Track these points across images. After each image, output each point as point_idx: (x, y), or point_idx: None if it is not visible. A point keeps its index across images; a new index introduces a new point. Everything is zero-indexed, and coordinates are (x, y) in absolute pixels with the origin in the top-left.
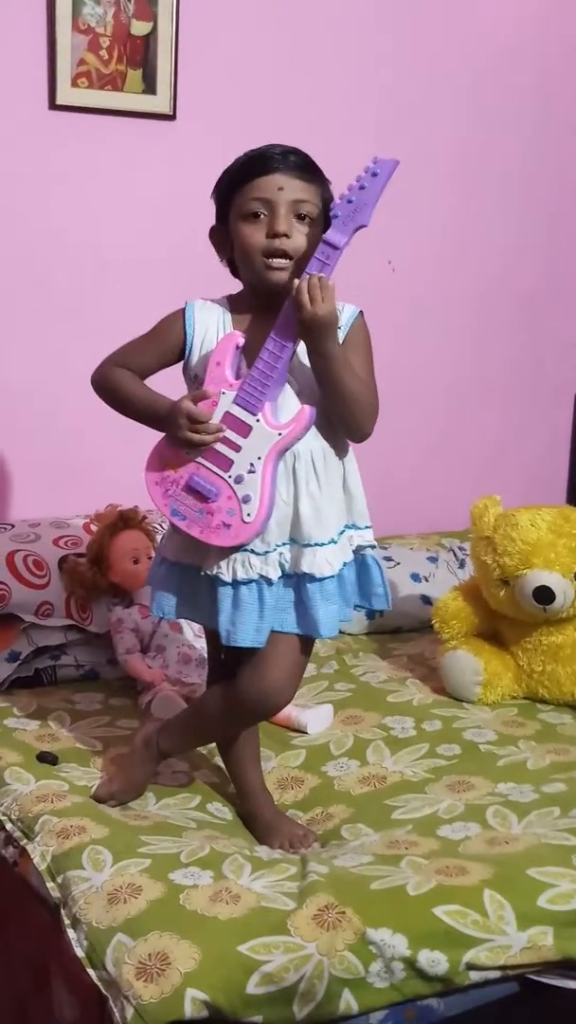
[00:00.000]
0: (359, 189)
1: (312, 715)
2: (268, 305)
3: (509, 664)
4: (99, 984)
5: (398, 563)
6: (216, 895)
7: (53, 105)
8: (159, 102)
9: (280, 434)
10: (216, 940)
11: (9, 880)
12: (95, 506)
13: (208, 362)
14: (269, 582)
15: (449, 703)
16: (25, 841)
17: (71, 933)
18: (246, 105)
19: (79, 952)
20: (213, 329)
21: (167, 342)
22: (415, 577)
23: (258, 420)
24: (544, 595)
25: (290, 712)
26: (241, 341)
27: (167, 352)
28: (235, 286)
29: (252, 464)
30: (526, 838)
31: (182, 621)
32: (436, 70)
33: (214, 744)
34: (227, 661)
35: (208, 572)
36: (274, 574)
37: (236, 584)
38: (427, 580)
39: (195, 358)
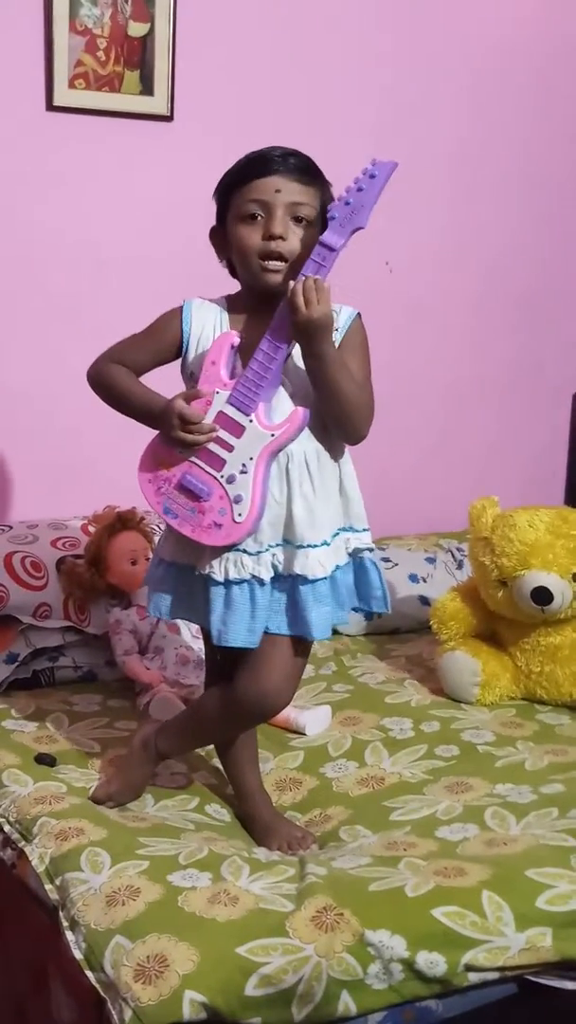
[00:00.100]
0: (357, 191)
1: (310, 716)
2: (265, 306)
3: (507, 665)
4: (97, 986)
5: (396, 564)
6: (214, 897)
7: (50, 106)
8: (156, 103)
9: (273, 435)
10: (214, 942)
11: (7, 882)
12: (95, 506)
13: (203, 361)
14: (261, 582)
15: (447, 704)
16: (23, 843)
17: (69, 935)
18: (243, 106)
19: (77, 954)
20: (210, 328)
21: (164, 340)
22: (413, 578)
23: (251, 420)
24: (542, 596)
25: (288, 713)
26: (236, 341)
27: (163, 350)
28: (234, 287)
29: (244, 464)
30: (524, 839)
31: (180, 622)
32: (435, 70)
33: (212, 745)
34: (224, 663)
35: (201, 572)
36: (266, 574)
37: (228, 584)
38: (425, 581)
39: (191, 357)
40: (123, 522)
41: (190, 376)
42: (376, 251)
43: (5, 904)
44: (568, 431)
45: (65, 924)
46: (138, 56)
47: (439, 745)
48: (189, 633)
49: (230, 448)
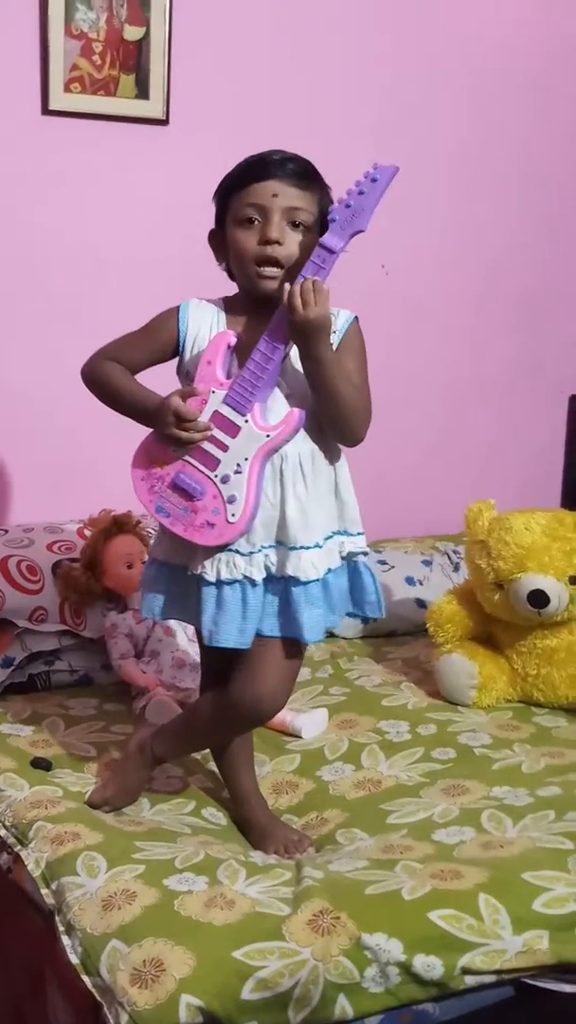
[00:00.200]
0: (358, 194)
1: (307, 719)
2: (263, 308)
3: (504, 667)
4: (93, 991)
5: (392, 566)
6: (211, 901)
7: (46, 110)
8: (152, 107)
9: (268, 436)
10: (211, 946)
11: (3, 887)
12: (93, 509)
13: (199, 360)
14: (253, 583)
15: (444, 707)
16: (19, 847)
17: (65, 940)
18: (239, 110)
19: (73, 959)
20: (207, 328)
21: (160, 339)
22: (409, 581)
23: (247, 421)
24: (538, 599)
25: (285, 717)
26: (233, 341)
27: (159, 349)
28: (232, 288)
29: (239, 465)
30: (521, 842)
31: (176, 626)
32: (433, 72)
33: (208, 749)
34: (220, 667)
35: (194, 572)
36: (258, 575)
37: (220, 584)
38: (421, 584)
39: (188, 356)
40: (119, 526)
41: (186, 376)
42: (376, 252)
43: (1, 909)
44: (565, 432)
45: (61, 928)
46: (133, 60)
47: (436, 748)
48: (185, 637)
49: (225, 448)
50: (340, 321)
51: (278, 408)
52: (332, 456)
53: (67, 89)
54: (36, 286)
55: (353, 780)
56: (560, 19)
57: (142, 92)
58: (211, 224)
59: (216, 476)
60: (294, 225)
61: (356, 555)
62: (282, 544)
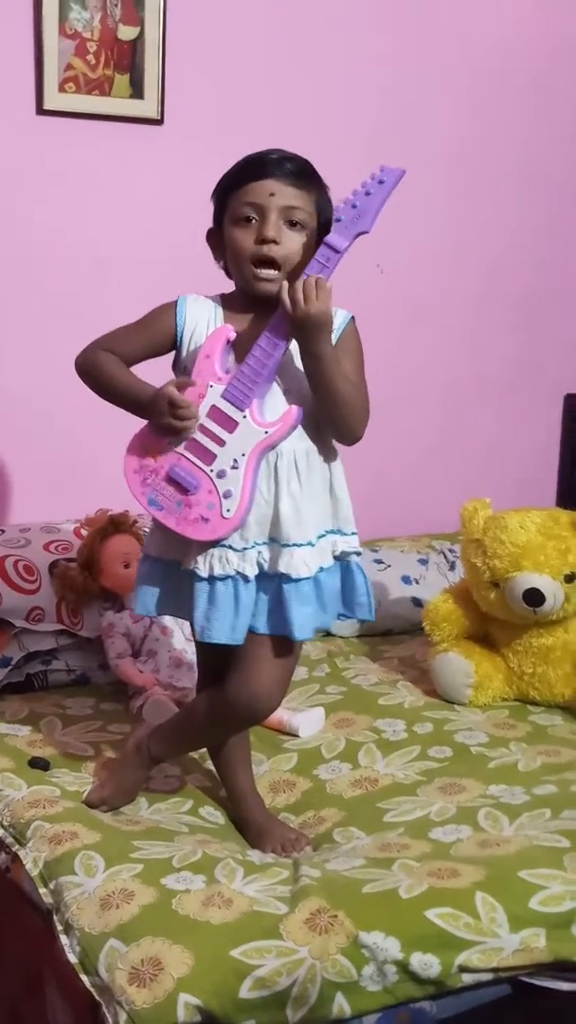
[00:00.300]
0: (364, 195)
1: (303, 718)
2: (260, 305)
3: (500, 666)
4: (92, 990)
5: (389, 565)
6: (208, 900)
7: (41, 110)
8: (147, 107)
9: (266, 432)
10: (209, 945)
11: (1, 886)
12: (90, 508)
13: (197, 355)
14: (246, 579)
15: (440, 705)
16: (17, 847)
17: (64, 939)
18: (234, 109)
19: (72, 958)
20: (204, 324)
21: (157, 332)
22: (406, 579)
23: (245, 416)
24: (534, 597)
25: (281, 715)
26: (232, 336)
27: (155, 342)
28: (229, 286)
29: (235, 460)
30: (517, 840)
31: (173, 625)
32: (433, 72)
33: (205, 748)
34: (217, 666)
35: (186, 567)
36: (251, 571)
37: (212, 580)
38: (418, 582)
39: (185, 351)
40: (116, 525)
41: (183, 371)
42: (375, 252)
43: None
44: (560, 432)
45: (59, 928)
46: (128, 60)
47: (432, 746)
48: (182, 636)
49: (221, 443)
50: (337, 321)
51: (275, 404)
52: (327, 455)
53: (62, 89)
54: (33, 286)
55: (350, 779)
56: (560, 19)
57: (137, 92)
58: (207, 222)
59: (212, 470)
60: (291, 224)
61: (349, 555)
62: (275, 541)
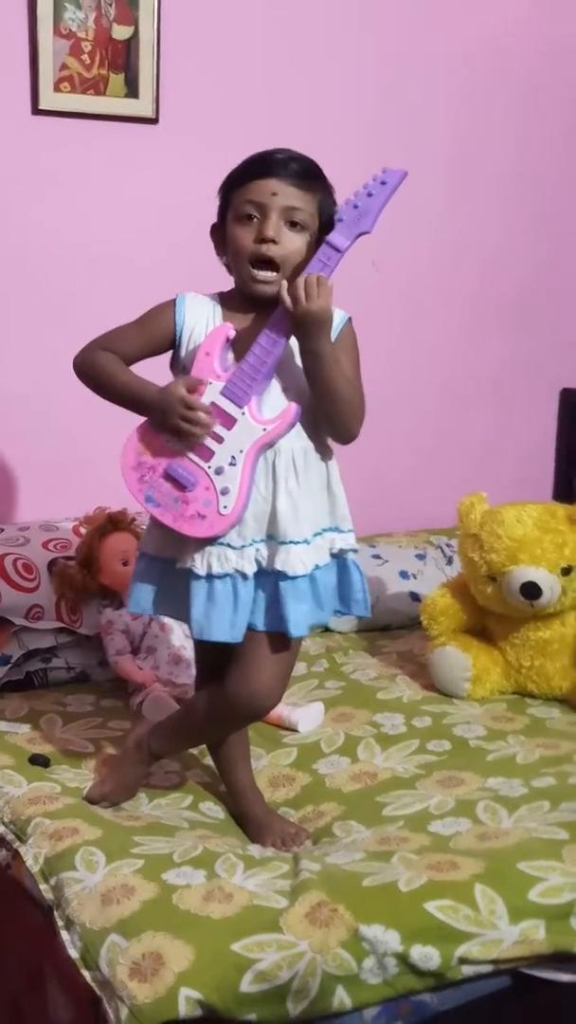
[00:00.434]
0: (366, 196)
1: (303, 713)
2: (258, 304)
3: (497, 659)
4: (93, 985)
5: (386, 561)
6: (209, 894)
7: (36, 110)
8: (142, 106)
9: (265, 429)
10: (209, 939)
11: (2, 883)
12: (89, 506)
13: (197, 352)
14: (244, 577)
15: (439, 699)
16: (18, 844)
17: (65, 935)
18: (229, 108)
19: (73, 953)
20: (203, 323)
21: (156, 331)
22: (403, 574)
23: (244, 413)
24: (531, 591)
25: (281, 711)
26: (232, 333)
27: (154, 340)
28: (224, 285)
29: (234, 457)
30: (516, 832)
31: (172, 622)
32: (428, 71)
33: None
34: (215, 663)
35: (183, 565)
36: (249, 569)
37: (211, 578)
38: (415, 577)
39: (184, 350)
40: (114, 523)
41: (182, 369)
42: (371, 250)
43: (0, 905)
44: (556, 428)
45: (60, 924)
46: (123, 59)
47: (431, 740)
48: (181, 633)
49: (220, 439)
50: (334, 320)
51: (273, 402)
52: (324, 453)
53: (57, 89)
54: (29, 285)
55: (349, 773)
56: (555, 19)
57: (132, 91)
58: (203, 222)
59: (210, 467)
60: (292, 225)
61: (346, 552)
62: (272, 538)
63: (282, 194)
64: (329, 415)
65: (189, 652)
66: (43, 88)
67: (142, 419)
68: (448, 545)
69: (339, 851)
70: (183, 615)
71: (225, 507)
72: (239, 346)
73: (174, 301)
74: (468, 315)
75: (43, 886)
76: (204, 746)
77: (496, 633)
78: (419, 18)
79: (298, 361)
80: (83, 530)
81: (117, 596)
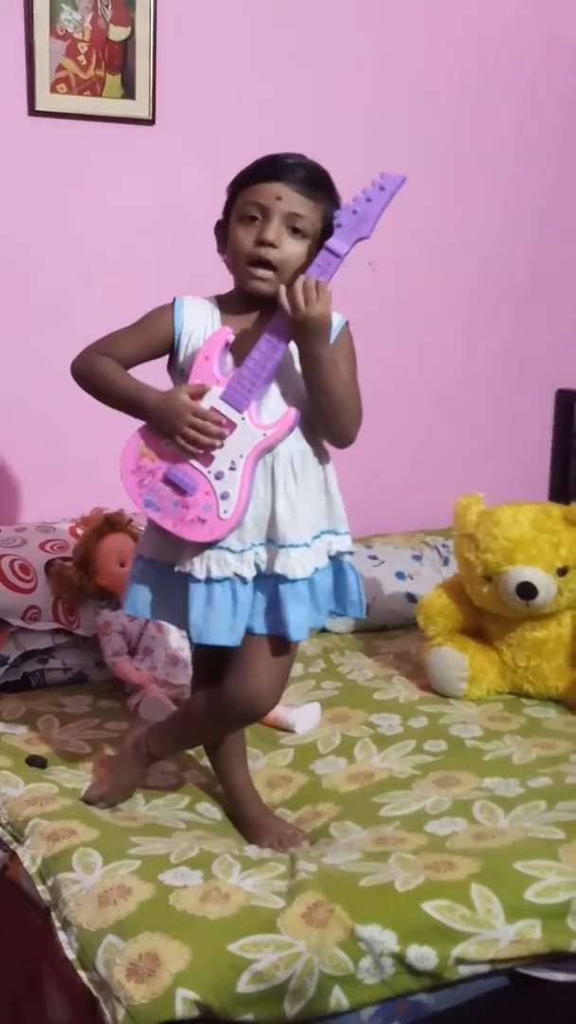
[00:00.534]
0: (365, 201)
1: (299, 714)
2: (256, 306)
3: (494, 660)
4: (90, 985)
5: (383, 561)
6: (206, 895)
7: (32, 111)
8: (138, 107)
9: (265, 434)
10: (206, 940)
11: None
12: (86, 507)
13: (196, 356)
14: (244, 581)
15: (435, 699)
16: (15, 845)
17: (62, 935)
18: (225, 109)
19: (70, 954)
20: (201, 326)
21: (155, 335)
22: (400, 575)
23: (243, 418)
24: (527, 591)
25: (278, 711)
26: (231, 338)
27: (153, 344)
28: (221, 287)
29: (233, 462)
30: (513, 832)
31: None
32: (426, 69)
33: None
34: (212, 664)
35: (181, 569)
36: (249, 573)
37: (209, 582)
38: (412, 578)
39: (182, 353)
40: (111, 524)
41: (180, 373)
42: (367, 251)
43: None
44: (552, 428)
45: (57, 924)
46: (119, 60)
47: (427, 740)
48: (178, 634)
49: (220, 444)
50: (332, 324)
51: (272, 406)
52: (321, 456)
53: (53, 90)
54: (24, 286)
55: (346, 773)
56: (552, 15)
57: (128, 92)
58: (199, 222)
59: (209, 472)
60: (293, 231)
61: (343, 554)
62: (272, 542)
63: (287, 199)
64: (327, 419)
65: (186, 653)
66: (39, 89)
67: (140, 422)
68: (444, 546)
69: (336, 851)
70: (180, 620)
71: (225, 512)
72: (238, 349)
73: (172, 304)
74: (464, 315)
75: (40, 887)
76: (201, 747)
77: (492, 633)
78: (417, 17)
79: (296, 366)
80: (80, 531)
81: (114, 597)
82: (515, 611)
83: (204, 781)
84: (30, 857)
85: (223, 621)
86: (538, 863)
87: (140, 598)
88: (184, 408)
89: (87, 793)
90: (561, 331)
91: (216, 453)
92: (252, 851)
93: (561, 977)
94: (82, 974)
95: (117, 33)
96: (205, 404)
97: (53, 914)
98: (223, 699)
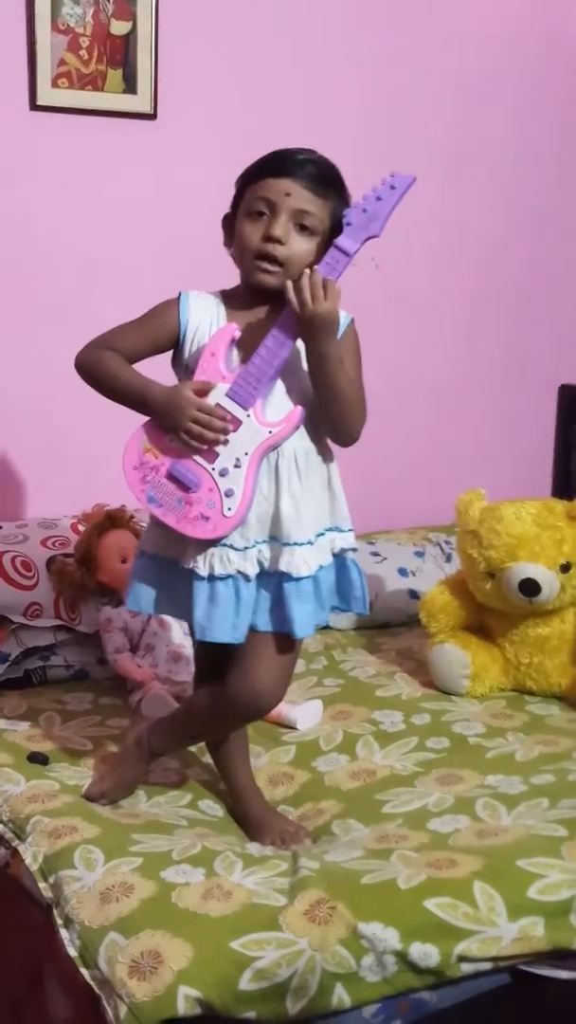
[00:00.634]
0: (376, 200)
1: (302, 711)
2: (262, 302)
3: (496, 656)
4: (92, 983)
5: (385, 558)
6: (208, 892)
7: (34, 106)
8: (140, 102)
9: (270, 432)
10: (208, 937)
11: (1, 881)
12: (87, 503)
13: (202, 353)
14: (247, 578)
15: (437, 696)
16: (17, 842)
17: (64, 933)
18: (227, 104)
19: (72, 951)
20: (207, 321)
21: (160, 329)
22: (402, 572)
23: (249, 415)
24: (530, 587)
25: (280, 708)
26: (237, 334)
27: (158, 339)
28: (222, 283)
29: (238, 459)
30: (515, 830)
31: (171, 619)
32: (427, 67)
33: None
34: (215, 661)
35: (185, 566)
36: (252, 571)
37: (213, 579)
38: (414, 575)
39: (187, 349)
40: (113, 520)
41: (185, 369)
42: (370, 248)
43: None
44: (554, 424)
45: (59, 922)
46: (121, 54)
47: (430, 737)
48: (180, 630)
49: (225, 441)
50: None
51: (277, 403)
52: (325, 454)
53: (55, 84)
54: (26, 281)
55: (348, 771)
56: (553, 15)
57: (130, 87)
58: (200, 217)
59: (214, 469)
60: (301, 228)
61: (346, 551)
62: (275, 540)
63: (295, 196)
64: (332, 417)
65: (188, 650)
66: (41, 84)
67: (141, 418)
68: (447, 542)
69: (338, 849)
70: (183, 614)
71: (229, 509)
72: (243, 345)
73: (178, 299)
74: (465, 314)
75: (42, 884)
76: (203, 744)
77: (495, 630)
78: (417, 17)
79: (302, 363)
80: (82, 527)
81: (116, 594)
82: (518, 608)
83: (206, 778)
84: (31, 854)
85: (226, 619)
86: (541, 860)
87: (143, 594)
88: (188, 402)
89: (88, 790)
90: (561, 330)
91: (221, 450)
92: (254, 848)
93: (563, 975)
94: (84, 972)
95: (119, 27)
96: (211, 401)
97: (55, 912)
98: (226, 696)
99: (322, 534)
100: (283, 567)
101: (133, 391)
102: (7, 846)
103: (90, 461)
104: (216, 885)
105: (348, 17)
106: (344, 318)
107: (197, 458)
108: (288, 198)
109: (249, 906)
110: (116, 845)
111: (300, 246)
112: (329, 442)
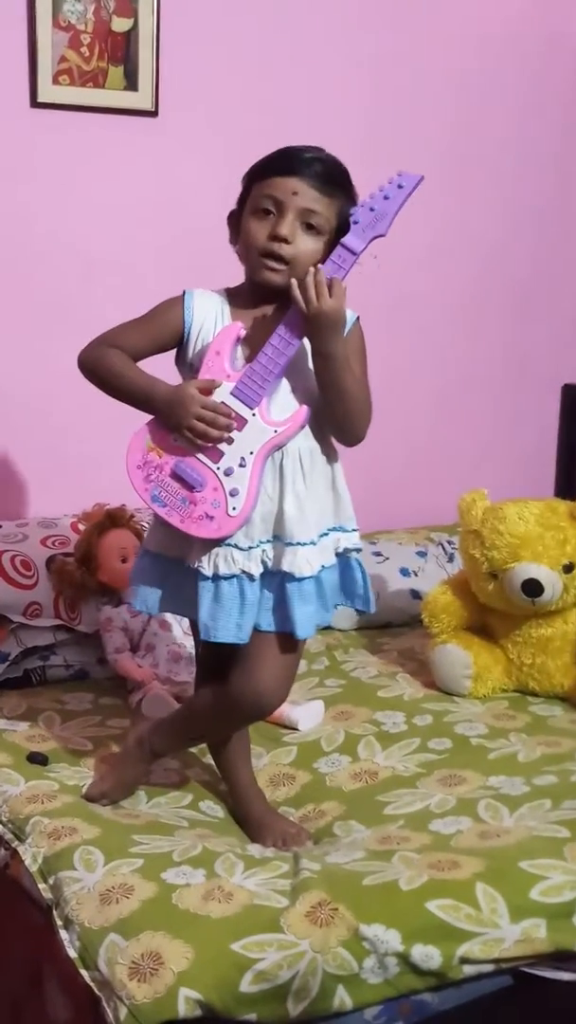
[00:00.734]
0: (383, 199)
1: (303, 712)
2: (267, 300)
3: (499, 657)
4: (92, 985)
5: (387, 558)
6: (208, 894)
7: (35, 103)
8: (141, 99)
9: (276, 431)
10: (209, 939)
11: (1, 882)
12: (87, 502)
13: (207, 351)
14: (251, 578)
15: (440, 697)
16: (16, 843)
17: (64, 934)
18: (229, 100)
19: (72, 953)
20: (211, 319)
21: (164, 327)
22: (404, 572)
23: (254, 414)
24: (532, 588)
25: (281, 709)
26: (243, 333)
27: (162, 337)
28: (223, 282)
29: (243, 458)
30: (518, 831)
31: (171, 619)
32: (424, 66)
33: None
34: (217, 661)
35: (190, 565)
36: (256, 570)
37: (217, 579)
38: (416, 575)
39: (191, 347)
40: (113, 520)
41: (189, 367)
42: (373, 247)
43: None
44: (557, 423)
45: (59, 923)
46: (122, 51)
47: (432, 738)
48: (180, 630)
49: (230, 440)
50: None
51: (283, 402)
52: (330, 453)
53: (56, 81)
54: (26, 279)
55: (350, 772)
56: (552, 14)
57: (131, 84)
58: (201, 214)
59: (219, 468)
60: (308, 227)
61: (351, 551)
62: (279, 539)
63: (302, 195)
64: (338, 416)
65: (188, 649)
66: (42, 81)
67: (142, 417)
68: (449, 542)
69: (339, 850)
70: (190, 613)
71: (234, 508)
72: (249, 344)
73: (182, 297)
74: (465, 314)
75: (42, 885)
76: (204, 744)
77: (497, 630)
78: (417, 17)
79: (307, 362)
80: (82, 527)
81: (116, 593)
82: (521, 608)
83: (207, 779)
84: (31, 855)
85: (230, 619)
86: (543, 862)
87: (148, 593)
88: (193, 400)
89: (89, 790)
90: (561, 330)
91: (225, 449)
92: (255, 850)
93: (566, 976)
94: (84, 973)
95: (120, 24)
96: (216, 399)
97: (55, 913)
98: (229, 696)
99: (326, 534)
100: (286, 567)
101: (137, 389)
102: (7, 847)
103: (90, 460)
104: (217, 886)
105: (348, 17)
106: (350, 316)
107: (201, 457)
108: (295, 197)
109: (250, 907)
110: (116, 846)
111: (306, 245)
112: (333, 441)
